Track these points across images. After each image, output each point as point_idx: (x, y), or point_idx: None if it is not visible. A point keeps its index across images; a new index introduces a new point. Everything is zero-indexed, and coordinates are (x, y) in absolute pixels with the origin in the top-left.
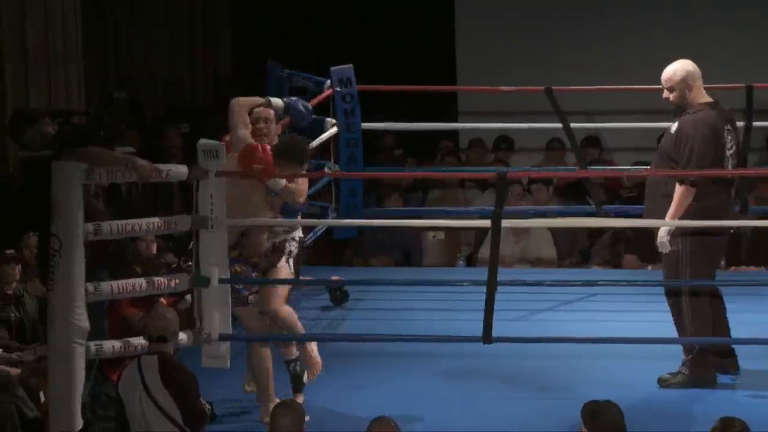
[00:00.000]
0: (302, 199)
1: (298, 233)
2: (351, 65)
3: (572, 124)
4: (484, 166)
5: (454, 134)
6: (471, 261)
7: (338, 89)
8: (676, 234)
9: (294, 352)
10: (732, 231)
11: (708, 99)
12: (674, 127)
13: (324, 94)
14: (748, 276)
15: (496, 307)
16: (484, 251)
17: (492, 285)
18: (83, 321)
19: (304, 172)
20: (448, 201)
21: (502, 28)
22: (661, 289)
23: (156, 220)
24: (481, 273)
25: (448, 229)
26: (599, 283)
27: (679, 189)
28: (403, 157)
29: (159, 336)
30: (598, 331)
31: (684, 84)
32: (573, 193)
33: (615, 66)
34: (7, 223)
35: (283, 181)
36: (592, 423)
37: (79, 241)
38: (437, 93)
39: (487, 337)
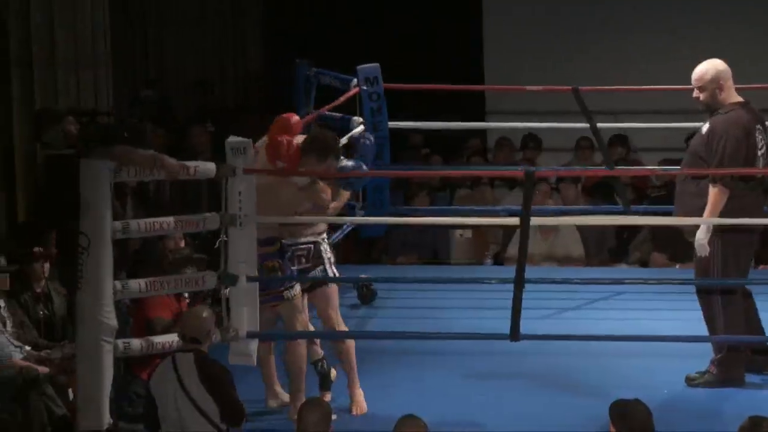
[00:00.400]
0: (327, 198)
1: (325, 234)
2: (378, 64)
3: (599, 124)
4: (512, 164)
5: (481, 134)
6: (498, 259)
7: (365, 88)
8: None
9: (319, 351)
10: (763, 230)
11: (739, 99)
12: (705, 127)
13: (350, 93)
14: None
15: (523, 305)
16: (512, 249)
17: (520, 283)
18: (111, 319)
19: (328, 167)
20: (475, 200)
21: (530, 27)
22: (690, 288)
23: (184, 218)
24: (509, 271)
25: (475, 228)
26: (627, 281)
27: (713, 191)
28: (430, 156)
29: (192, 337)
30: (626, 330)
31: (715, 84)
32: (601, 193)
33: (642, 66)
34: (33, 221)
35: (307, 178)
36: (620, 422)
37: (107, 239)
38: (464, 92)
39: (514, 334)
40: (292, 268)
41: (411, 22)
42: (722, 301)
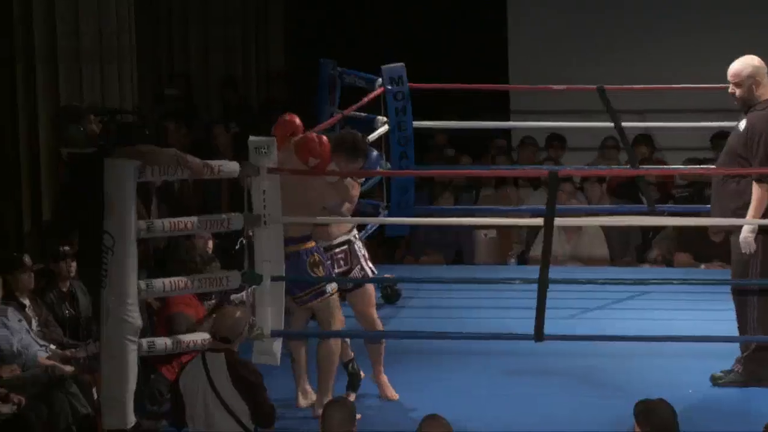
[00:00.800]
0: (355, 193)
1: (355, 231)
2: (402, 63)
3: (624, 123)
4: (536, 164)
5: (506, 133)
6: (523, 259)
7: (389, 87)
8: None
9: (350, 353)
10: None
11: None
12: (743, 124)
13: (375, 92)
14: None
15: (547, 305)
16: (536, 249)
17: (544, 283)
18: (136, 318)
19: (356, 167)
20: (500, 199)
21: (555, 26)
22: (714, 288)
23: (209, 217)
24: (533, 271)
25: (499, 228)
26: (651, 281)
27: (757, 189)
28: (458, 157)
29: (224, 337)
30: (651, 330)
31: (751, 80)
32: (626, 193)
33: (667, 65)
34: (58, 220)
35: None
36: (645, 422)
37: (132, 239)
38: (489, 92)
39: (538, 335)
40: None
41: (436, 22)
42: (758, 302)
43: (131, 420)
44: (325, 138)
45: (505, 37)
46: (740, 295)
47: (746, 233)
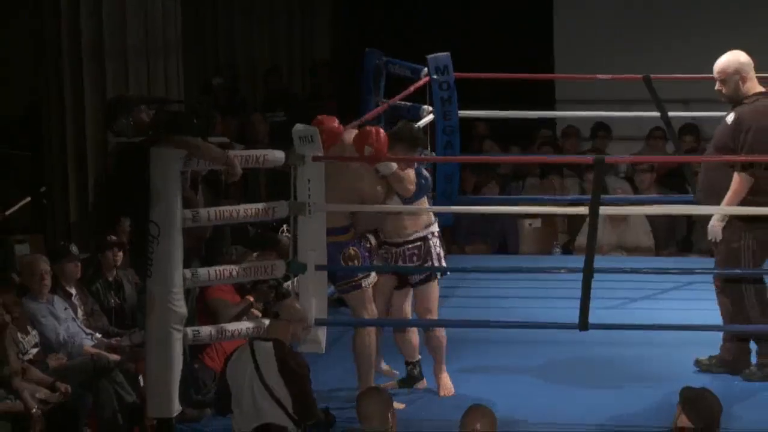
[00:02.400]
0: (412, 188)
1: (436, 227)
2: (448, 53)
3: (670, 113)
4: (580, 153)
5: (551, 123)
6: (567, 249)
7: (435, 77)
8: (736, 227)
9: (417, 354)
10: None
11: (761, 89)
12: (730, 117)
13: (421, 82)
14: None
15: (592, 295)
16: (581, 239)
17: (589, 272)
18: (181, 307)
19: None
20: (545, 189)
21: (601, 15)
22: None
23: (254, 206)
24: (578, 261)
25: (544, 217)
26: (696, 271)
27: (736, 179)
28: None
29: (275, 312)
30: (695, 319)
31: (737, 76)
32: (673, 183)
33: (714, 54)
34: (104, 209)
35: (394, 166)
36: (690, 409)
37: (177, 228)
38: (534, 81)
39: (583, 324)
40: (366, 254)
41: (482, 11)
42: (755, 292)
43: (176, 408)
44: (382, 131)
45: (551, 26)
46: (733, 286)
47: (715, 221)
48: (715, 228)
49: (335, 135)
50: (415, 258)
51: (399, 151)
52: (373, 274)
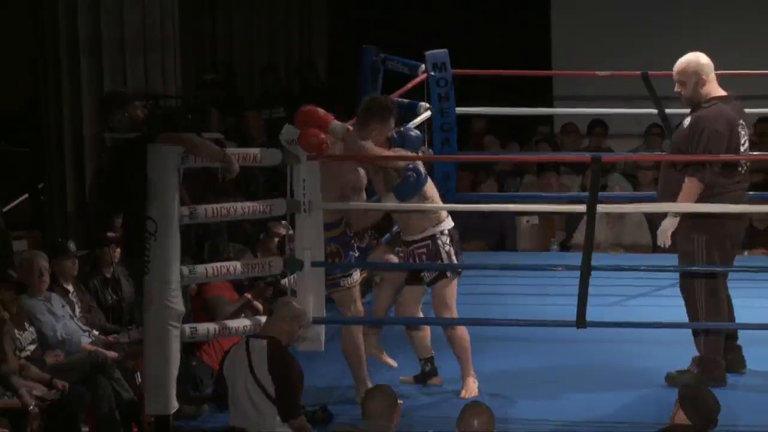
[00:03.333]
0: (393, 173)
1: (447, 225)
2: (446, 50)
3: (668, 110)
4: (578, 150)
5: (549, 120)
6: (565, 246)
7: (433, 74)
8: (690, 232)
9: (429, 351)
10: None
11: (722, 92)
12: (687, 121)
13: (418, 79)
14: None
15: (590, 293)
16: (578, 236)
17: (586, 270)
18: (178, 304)
19: (390, 129)
20: (542, 186)
21: (598, 11)
22: (757, 274)
23: (251, 204)
24: (575, 258)
25: (542, 214)
26: (694, 268)
27: (687, 183)
28: (505, 145)
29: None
30: None
31: (696, 77)
32: None
33: (713, 50)
34: (100, 205)
35: (343, 126)
36: (688, 406)
37: (174, 224)
38: (532, 78)
39: (581, 321)
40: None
41: (479, 8)
42: (706, 300)
43: (174, 405)
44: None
45: (548, 22)
46: (687, 291)
47: (664, 225)
48: (665, 231)
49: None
50: (424, 257)
51: (375, 126)
52: (357, 273)
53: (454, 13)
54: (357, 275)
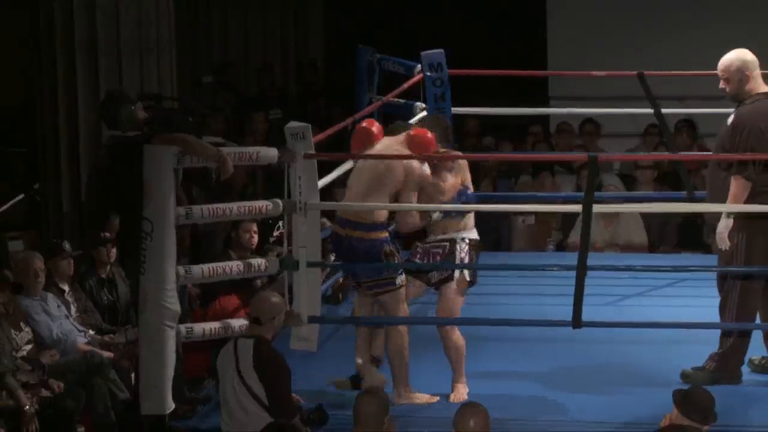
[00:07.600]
0: (442, 198)
1: (471, 234)
2: (442, 50)
3: (665, 110)
4: (573, 150)
5: (544, 120)
6: (561, 246)
7: (429, 74)
8: (732, 229)
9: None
10: None
11: (766, 89)
12: (731, 118)
13: (414, 79)
14: None
15: (585, 292)
16: (574, 236)
17: (582, 269)
18: (174, 304)
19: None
20: (537, 187)
21: (594, 11)
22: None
23: (247, 204)
24: (571, 258)
25: (537, 214)
26: (690, 268)
27: (733, 183)
28: (498, 144)
29: (255, 317)
30: (689, 317)
31: (741, 74)
32: (670, 180)
33: (710, 50)
34: (96, 205)
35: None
36: (685, 406)
37: (170, 225)
38: (528, 78)
39: (576, 321)
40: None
41: (475, 8)
42: (739, 298)
43: (169, 405)
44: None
45: (544, 22)
46: (724, 290)
47: (721, 230)
48: (721, 235)
49: (370, 136)
50: (438, 257)
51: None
52: (404, 273)
53: (450, 13)
54: (404, 274)
